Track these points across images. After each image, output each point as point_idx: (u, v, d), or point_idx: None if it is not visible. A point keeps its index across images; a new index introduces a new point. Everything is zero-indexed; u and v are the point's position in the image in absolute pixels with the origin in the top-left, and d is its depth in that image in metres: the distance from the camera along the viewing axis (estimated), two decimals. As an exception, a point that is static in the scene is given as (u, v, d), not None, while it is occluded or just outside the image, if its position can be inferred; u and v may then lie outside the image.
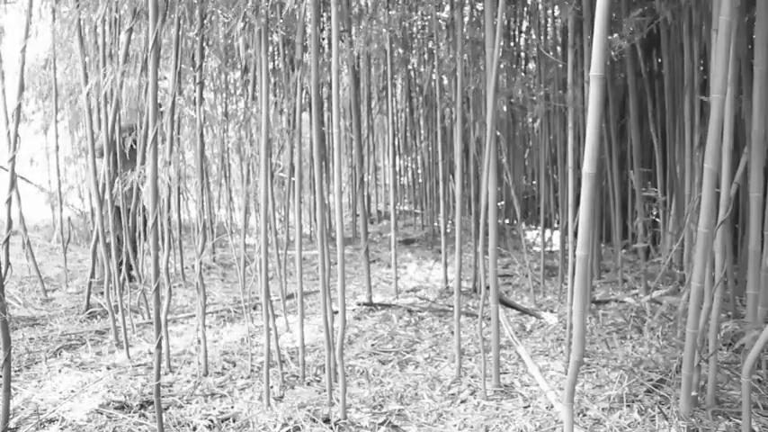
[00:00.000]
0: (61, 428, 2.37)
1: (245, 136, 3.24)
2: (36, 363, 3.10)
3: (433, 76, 7.02)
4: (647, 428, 2.33)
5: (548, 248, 6.31)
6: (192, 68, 3.18)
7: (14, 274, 4.79)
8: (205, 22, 2.95)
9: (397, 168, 8.87)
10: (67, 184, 6.20)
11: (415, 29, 6.58)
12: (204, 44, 3.08)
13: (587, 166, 1.74)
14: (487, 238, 2.82)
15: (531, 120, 7.32)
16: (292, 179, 3.90)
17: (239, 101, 5.99)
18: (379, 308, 4.29)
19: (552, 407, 2.53)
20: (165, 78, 3.98)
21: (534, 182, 7.94)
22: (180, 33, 2.66)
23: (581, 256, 1.78)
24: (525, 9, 6.13)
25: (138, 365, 3.07)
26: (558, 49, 5.40)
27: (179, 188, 5.92)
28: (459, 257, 3.04)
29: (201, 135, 3.01)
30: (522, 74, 6.51)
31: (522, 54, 6.67)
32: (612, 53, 3.41)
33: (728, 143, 2.42)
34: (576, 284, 1.80)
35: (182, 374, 2.95)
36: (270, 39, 4.43)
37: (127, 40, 3.23)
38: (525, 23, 6.43)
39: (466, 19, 4.48)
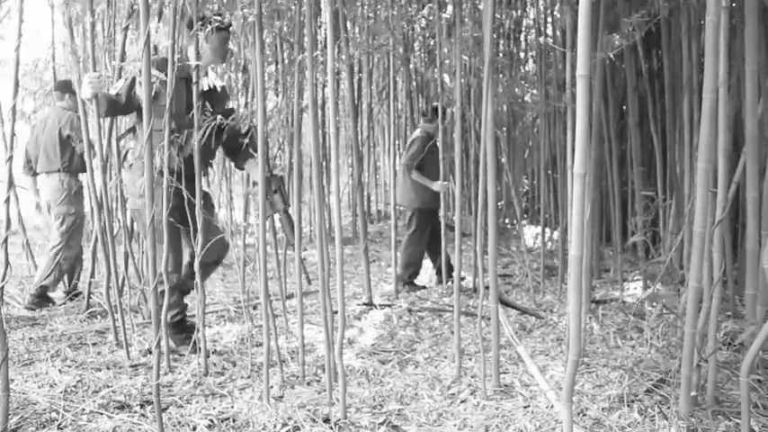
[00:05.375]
0: (61, 428, 2.37)
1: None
2: (36, 362, 3.10)
3: (434, 75, 7.00)
4: (646, 428, 2.33)
5: (548, 248, 6.31)
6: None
7: (14, 274, 4.79)
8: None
9: (398, 168, 8.86)
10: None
11: (417, 27, 6.57)
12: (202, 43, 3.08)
13: (578, 167, 1.74)
14: (487, 238, 2.82)
15: (531, 119, 7.32)
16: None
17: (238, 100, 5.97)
18: (379, 307, 4.30)
19: (552, 406, 2.53)
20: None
21: (534, 181, 7.94)
22: (176, 31, 2.66)
23: (575, 256, 1.78)
24: (526, 10, 6.14)
25: (138, 365, 3.07)
26: (558, 48, 5.40)
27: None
28: (459, 257, 3.04)
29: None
30: (523, 74, 6.51)
31: (523, 54, 6.67)
32: (611, 53, 3.41)
33: (724, 142, 2.42)
34: (571, 284, 1.80)
35: (182, 374, 2.95)
36: (267, 38, 4.43)
37: (123, 39, 3.23)
38: (526, 23, 6.44)
39: (466, 19, 4.47)
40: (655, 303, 3.91)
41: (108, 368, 3.02)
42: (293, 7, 2.72)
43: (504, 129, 7.28)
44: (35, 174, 4.51)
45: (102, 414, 2.47)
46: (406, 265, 4.95)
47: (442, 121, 4.65)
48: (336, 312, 3.25)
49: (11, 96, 2.38)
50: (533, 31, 6.14)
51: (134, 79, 2.90)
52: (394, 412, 2.53)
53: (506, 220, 8.44)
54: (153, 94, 2.71)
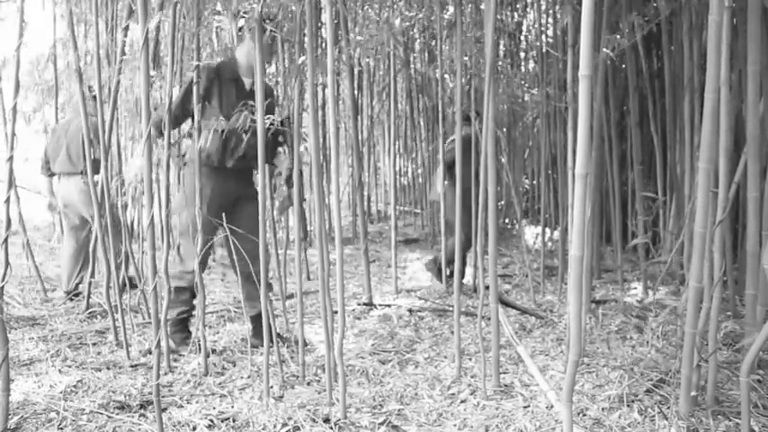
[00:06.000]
0: (61, 428, 2.37)
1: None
2: (36, 362, 3.10)
3: (435, 76, 7.01)
4: (646, 428, 2.33)
5: (548, 248, 6.31)
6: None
7: (14, 274, 4.79)
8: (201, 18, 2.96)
9: (398, 168, 8.88)
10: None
11: (417, 28, 6.57)
12: (201, 42, 3.08)
13: (579, 168, 1.73)
14: (487, 238, 2.82)
15: (531, 119, 7.33)
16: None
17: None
18: (379, 307, 4.29)
19: (552, 407, 2.53)
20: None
21: (534, 181, 7.94)
22: (176, 30, 2.66)
23: (575, 256, 1.77)
24: (527, 10, 6.14)
25: (138, 365, 3.07)
26: (560, 48, 5.40)
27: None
28: (460, 257, 3.04)
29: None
30: (524, 73, 6.51)
31: (523, 54, 6.67)
32: (612, 53, 3.41)
33: (726, 143, 2.42)
34: (571, 285, 1.80)
35: (182, 374, 2.95)
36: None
37: (123, 39, 3.23)
38: (527, 23, 6.44)
39: (468, 19, 4.48)
40: (659, 306, 3.91)
41: (108, 368, 3.02)
42: (294, 7, 2.72)
43: (505, 129, 7.28)
44: (52, 174, 4.55)
45: (102, 414, 2.47)
46: (449, 261, 4.94)
47: (469, 125, 4.69)
48: (336, 312, 3.25)
49: (11, 96, 2.37)
50: (533, 30, 6.14)
51: (189, 86, 2.95)
52: (394, 412, 2.53)
53: (506, 220, 8.44)
54: (205, 96, 2.74)
